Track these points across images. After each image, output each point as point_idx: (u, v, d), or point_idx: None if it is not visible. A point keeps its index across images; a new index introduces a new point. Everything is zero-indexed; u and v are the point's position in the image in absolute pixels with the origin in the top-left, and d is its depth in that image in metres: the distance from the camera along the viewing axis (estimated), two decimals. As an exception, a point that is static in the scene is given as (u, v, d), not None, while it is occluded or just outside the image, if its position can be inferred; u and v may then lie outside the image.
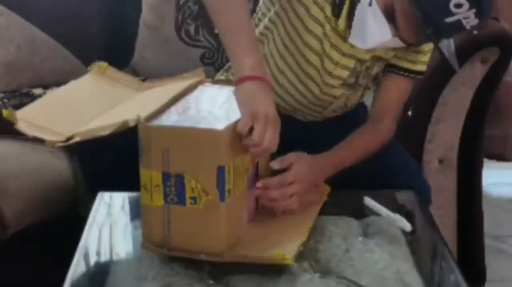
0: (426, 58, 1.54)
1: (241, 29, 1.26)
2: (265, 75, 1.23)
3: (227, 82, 1.40)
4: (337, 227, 1.29)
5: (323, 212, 1.33)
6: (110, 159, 1.42)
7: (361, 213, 1.36)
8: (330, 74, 1.51)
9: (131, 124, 1.14)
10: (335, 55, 1.49)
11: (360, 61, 1.50)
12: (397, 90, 1.57)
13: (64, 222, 1.68)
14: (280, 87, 1.55)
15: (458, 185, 1.91)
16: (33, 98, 2.13)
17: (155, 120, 1.15)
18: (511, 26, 1.94)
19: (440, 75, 1.83)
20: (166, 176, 1.12)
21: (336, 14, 1.45)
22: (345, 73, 1.51)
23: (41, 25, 2.21)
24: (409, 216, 1.33)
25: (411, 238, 1.28)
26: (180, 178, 1.11)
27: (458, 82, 1.82)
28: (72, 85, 1.48)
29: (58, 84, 2.22)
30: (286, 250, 1.14)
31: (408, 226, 1.30)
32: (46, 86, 2.20)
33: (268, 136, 1.16)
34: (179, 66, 2.10)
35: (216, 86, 1.38)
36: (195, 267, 1.14)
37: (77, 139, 1.19)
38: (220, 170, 1.10)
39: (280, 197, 1.28)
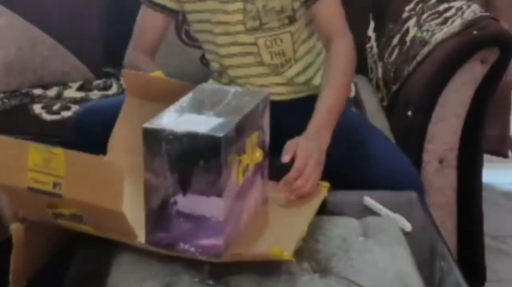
0: None
1: None
2: None
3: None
4: (337, 227, 1.29)
5: (323, 212, 1.34)
6: None
7: (361, 213, 1.36)
8: (230, 23, 1.64)
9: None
10: (217, 5, 1.63)
11: (245, 0, 1.61)
12: (328, 11, 1.63)
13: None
14: (222, 58, 1.71)
15: (458, 185, 1.91)
16: (33, 98, 2.14)
17: (155, 121, 1.15)
18: (511, 26, 1.95)
19: (440, 75, 1.83)
20: None
21: None
22: (239, 17, 1.63)
23: (41, 25, 2.22)
24: (409, 216, 1.33)
25: (411, 238, 1.28)
26: None
27: (458, 82, 1.82)
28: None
29: (58, 84, 2.23)
30: (284, 246, 1.14)
31: (408, 226, 1.30)
32: (46, 86, 2.21)
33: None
34: (179, 66, 2.11)
35: (217, 86, 1.38)
36: (195, 267, 1.14)
37: None
38: None
39: (304, 183, 1.35)
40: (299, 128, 1.47)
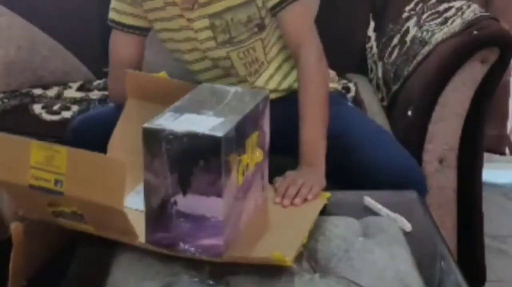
0: None
1: None
2: None
3: None
4: (337, 227, 1.29)
5: (323, 212, 1.34)
6: None
7: (361, 213, 1.36)
8: (198, 40, 1.63)
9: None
10: (185, 23, 1.62)
11: (212, 16, 1.59)
12: (293, 19, 1.61)
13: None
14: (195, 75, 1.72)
15: (458, 185, 1.91)
16: (33, 98, 2.14)
17: (155, 121, 1.15)
18: (511, 26, 1.95)
19: (440, 75, 1.83)
20: None
21: None
22: (208, 33, 1.62)
23: (41, 25, 2.22)
24: (409, 216, 1.33)
25: (411, 238, 1.28)
26: None
27: (458, 82, 1.82)
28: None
29: (58, 84, 2.23)
30: (285, 251, 1.14)
31: (408, 226, 1.30)
32: (46, 86, 2.21)
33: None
34: (179, 66, 2.10)
35: (217, 86, 1.38)
36: (195, 267, 1.14)
37: None
38: None
39: (296, 188, 1.37)
40: (282, 126, 1.47)
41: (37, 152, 1.11)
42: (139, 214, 1.19)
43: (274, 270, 1.13)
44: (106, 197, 1.09)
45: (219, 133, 1.11)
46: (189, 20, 1.61)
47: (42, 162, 1.11)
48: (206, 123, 1.14)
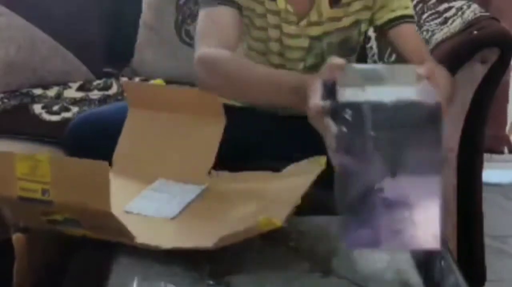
0: (407, 1, 1.55)
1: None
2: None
3: None
4: (337, 227, 1.29)
5: (323, 212, 1.33)
6: None
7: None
8: (287, 58, 1.52)
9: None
10: (276, 35, 1.50)
11: (314, 38, 1.50)
12: (413, 36, 1.55)
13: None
14: None
15: (458, 185, 1.91)
16: (33, 98, 2.14)
17: (345, 96, 1.02)
18: (511, 26, 1.94)
19: (440, 75, 1.83)
20: None
21: None
22: (301, 54, 1.52)
23: (41, 25, 2.22)
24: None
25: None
26: None
27: (458, 82, 1.82)
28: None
29: (58, 84, 2.23)
30: (276, 215, 1.11)
31: (408, 226, 1.29)
32: (46, 86, 2.21)
33: None
34: (179, 66, 2.11)
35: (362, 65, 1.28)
36: (195, 267, 1.14)
37: None
38: None
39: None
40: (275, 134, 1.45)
41: (21, 163, 1.11)
42: (141, 219, 1.19)
43: (274, 270, 1.13)
44: (92, 200, 1.09)
45: (433, 100, 0.99)
46: (284, 34, 1.50)
47: (28, 173, 1.11)
48: (405, 93, 1.00)
